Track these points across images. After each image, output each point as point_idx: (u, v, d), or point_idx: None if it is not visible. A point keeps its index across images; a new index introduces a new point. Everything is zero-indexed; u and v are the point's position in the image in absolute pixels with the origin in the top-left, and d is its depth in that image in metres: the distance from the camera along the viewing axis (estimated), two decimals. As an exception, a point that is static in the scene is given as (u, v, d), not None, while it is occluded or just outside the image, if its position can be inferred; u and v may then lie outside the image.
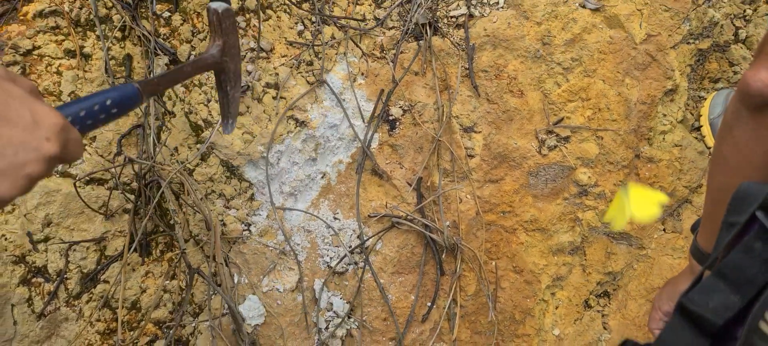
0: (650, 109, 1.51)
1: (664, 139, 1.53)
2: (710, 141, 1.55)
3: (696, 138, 1.57)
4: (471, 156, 1.50)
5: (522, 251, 1.50)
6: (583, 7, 1.52)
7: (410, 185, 1.48)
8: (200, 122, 1.44)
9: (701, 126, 1.57)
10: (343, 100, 1.50)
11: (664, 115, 1.54)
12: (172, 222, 1.45)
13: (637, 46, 1.51)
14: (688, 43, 1.57)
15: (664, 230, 1.56)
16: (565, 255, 1.53)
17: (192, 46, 1.48)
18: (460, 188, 1.48)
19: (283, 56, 1.50)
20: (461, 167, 1.49)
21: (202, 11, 1.49)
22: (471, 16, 1.54)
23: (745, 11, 1.71)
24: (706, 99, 1.60)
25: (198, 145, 1.43)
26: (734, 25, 1.67)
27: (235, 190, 1.44)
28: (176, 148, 1.44)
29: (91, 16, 1.46)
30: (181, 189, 1.41)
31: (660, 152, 1.53)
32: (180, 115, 1.45)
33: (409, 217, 1.45)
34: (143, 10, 1.49)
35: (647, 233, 1.55)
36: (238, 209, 1.44)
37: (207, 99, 1.45)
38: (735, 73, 1.64)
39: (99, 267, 1.42)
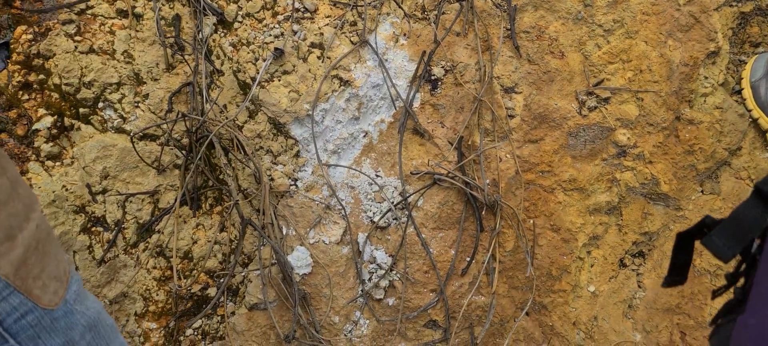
0: (692, 71, 1.52)
1: (705, 101, 1.54)
2: (751, 104, 1.55)
3: (736, 101, 1.57)
4: (511, 116, 1.52)
5: (560, 209, 1.53)
6: (627, -33, 1.52)
7: (451, 144, 1.51)
8: (248, 80, 1.49)
9: (742, 89, 1.57)
10: (386, 60, 1.53)
11: (706, 78, 1.55)
12: (221, 177, 1.51)
13: (681, 8, 1.51)
14: (731, 5, 1.56)
15: (702, 191, 1.58)
16: (601, 215, 1.56)
17: (239, 7, 1.51)
18: (501, 146, 1.51)
19: (327, 16, 1.53)
20: (502, 127, 1.51)
21: (249, -28, 1.52)
22: (513, -23, 1.55)
23: (790, -26, 1.69)
24: (747, 63, 1.60)
25: (247, 103, 1.48)
26: (779, -13, 1.65)
27: (282, 146, 1.49)
28: (225, 106, 1.49)
29: (143, -24, 1.50)
30: (231, 145, 1.47)
31: (700, 115, 1.53)
32: (228, 73, 1.49)
33: (450, 174, 1.49)
34: (192, -29, 1.53)
35: (685, 195, 1.57)
36: (284, 165, 1.50)
37: (255, 57, 1.49)
38: (778, 36, 1.64)
39: (153, 219, 1.48)
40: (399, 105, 1.53)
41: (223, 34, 1.52)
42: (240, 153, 1.47)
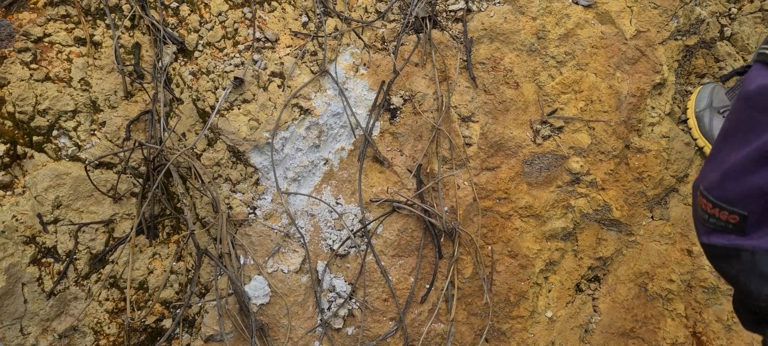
0: (640, 101, 1.58)
1: (652, 130, 1.60)
2: (696, 133, 1.62)
3: (683, 130, 1.64)
4: (469, 144, 1.55)
5: (517, 236, 1.56)
6: (576, 3, 1.59)
7: (410, 172, 1.53)
8: (207, 109, 1.49)
9: (688, 119, 1.64)
10: (346, 89, 1.55)
11: (653, 108, 1.61)
12: (179, 205, 1.50)
13: (628, 42, 1.58)
14: (676, 39, 1.64)
15: (652, 217, 1.63)
16: (557, 240, 1.59)
17: (200, 36, 1.52)
18: (458, 174, 1.54)
19: (288, 46, 1.55)
20: (459, 155, 1.54)
21: (210, 1, 1.54)
22: (469, 10, 1.60)
23: (730, 10, 1.79)
24: (692, 93, 1.68)
25: (206, 132, 1.48)
26: (720, 22, 1.74)
27: (241, 174, 1.49)
28: (184, 134, 1.49)
29: (101, 5, 1.50)
30: (189, 173, 1.46)
31: (649, 143, 1.59)
32: (188, 101, 1.49)
33: (409, 202, 1.51)
34: (152, 1, 1.54)
35: (636, 220, 1.62)
36: (243, 193, 1.49)
37: (214, 86, 1.49)
38: (720, 68, 1.72)
39: (107, 248, 1.45)
40: (359, 133, 1.55)
41: (183, 63, 1.53)
42: (198, 182, 1.47)
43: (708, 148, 1.61)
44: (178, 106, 1.51)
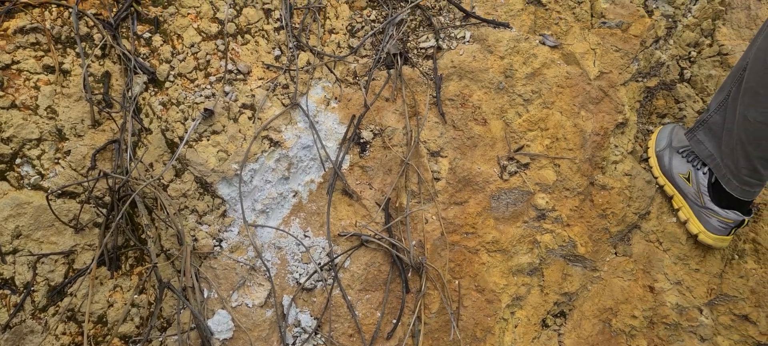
0: (603, 140, 1.63)
1: (615, 168, 1.65)
2: (657, 172, 1.66)
3: (644, 168, 1.69)
4: (437, 179, 1.57)
5: (484, 271, 1.57)
6: (543, 43, 1.64)
7: (379, 206, 1.54)
8: (176, 139, 1.48)
9: (649, 158, 1.69)
10: (317, 122, 1.56)
11: (616, 146, 1.66)
12: (143, 237, 1.48)
13: (592, 82, 1.63)
14: (637, 80, 1.70)
15: (615, 253, 1.66)
16: (524, 276, 1.61)
17: (171, 66, 1.53)
18: (427, 209, 1.56)
19: (260, 79, 1.56)
20: (428, 190, 1.56)
21: (183, 33, 1.55)
22: (439, 48, 1.64)
23: (690, 53, 1.86)
24: (653, 133, 1.73)
25: (174, 162, 1.47)
26: (680, 65, 1.81)
27: (208, 206, 1.48)
28: (151, 164, 1.47)
29: (72, 34, 1.50)
30: (155, 204, 1.44)
31: (612, 180, 1.63)
32: (157, 132, 1.49)
33: (377, 236, 1.51)
34: (124, 30, 1.54)
35: (600, 256, 1.64)
36: (210, 225, 1.48)
37: (184, 117, 1.49)
38: (680, 109, 1.78)
39: (66, 280, 1.42)
40: (328, 166, 1.56)
41: (153, 93, 1.52)
42: (163, 213, 1.45)
43: (668, 188, 1.65)
44: (146, 136, 1.50)
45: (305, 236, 1.53)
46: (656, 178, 1.66)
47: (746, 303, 1.65)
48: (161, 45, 1.54)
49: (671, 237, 1.65)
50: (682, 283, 1.65)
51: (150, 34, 1.55)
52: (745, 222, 1.53)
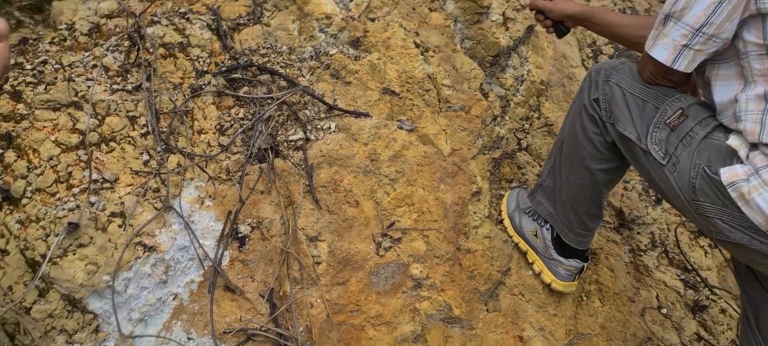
0: (462, 208, 1.82)
1: (476, 232, 1.84)
2: (511, 231, 1.89)
3: (501, 229, 1.91)
4: (318, 263, 1.64)
5: (371, 345, 1.64)
6: (401, 128, 1.83)
7: (263, 297, 1.56)
8: (38, 258, 1.40)
9: (503, 219, 1.92)
10: (192, 222, 1.57)
11: (474, 213, 1.86)
12: (1, 369, 1.34)
13: (446, 159, 1.84)
14: (484, 153, 1.95)
15: (487, 310, 1.83)
16: (409, 344, 1.70)
17: (28, 182, 1.46)
18: (310, 293, 1.61)
19: (129, 185, 1.55)
20: (310, 275, 1.62)
21: (39, 147, 1.50)
22: (307, 139, 1.76)
23: (523, 126, 2.18)
24: (504, 197, 1.98)
25: (37, 282, 1.38)
26: (517, 137, 2.11)
27: (79, 323, 1.40)
28: (11, 288, 1.37)
29: None
30: (17, 329, 1.33)
31: (475, 244, 1.82)
32: (15, 252, 1.40)
33: (263, 328, 1.53)
34: (-28, 149, 1.46)
35: (474, 315, 1.80)
36: (82, 343, 1.39)
37: (46, 233, 1.42)
38: (523, 174, 2.06)
39: None
40: (208, 264, 1.56)
41: (9, 212, 1.44)
42: (28, 337, 1.34)
43: (522, 245, 1.88)
44: (3, 257, 1.40)
45: (189, 339, 1.50)
46: (511, 237, 1.89)
47: (599, 339, 1.89)
48: (15, 160, 1.48)
49: (531, 288, 1.86)
50: (544, 329, 1.85)
51: (2, 150, 1.48)
52: (584, 268, 1.79)
